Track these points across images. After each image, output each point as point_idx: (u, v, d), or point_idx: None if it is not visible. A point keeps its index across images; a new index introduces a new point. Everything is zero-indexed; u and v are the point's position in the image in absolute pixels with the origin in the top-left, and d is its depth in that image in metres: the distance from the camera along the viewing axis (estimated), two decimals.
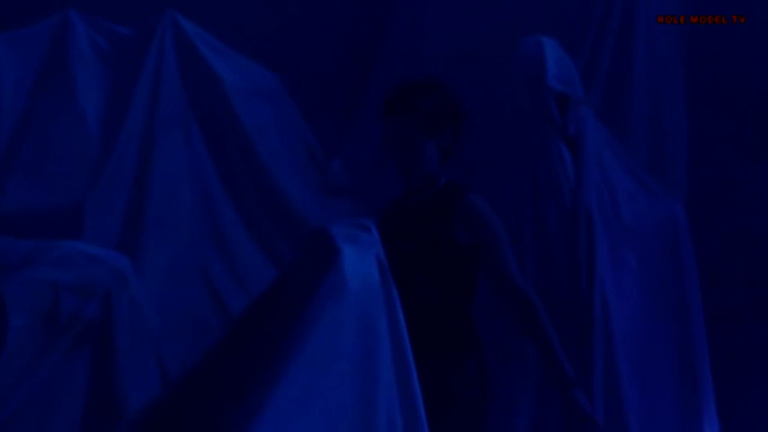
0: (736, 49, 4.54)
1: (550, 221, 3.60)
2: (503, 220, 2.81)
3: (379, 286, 1.92)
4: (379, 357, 1.85)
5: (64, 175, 4.48)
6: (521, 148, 3.66)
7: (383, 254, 2.00)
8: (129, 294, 3.69)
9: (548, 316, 2.75)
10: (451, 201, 2.84)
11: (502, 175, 3.73)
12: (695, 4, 4.40)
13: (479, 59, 4.40)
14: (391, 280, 2.00)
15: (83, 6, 4.81)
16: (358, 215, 4.85)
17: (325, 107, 4.93)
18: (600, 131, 3.72)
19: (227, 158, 4.67)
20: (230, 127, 4.66)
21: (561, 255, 3.56)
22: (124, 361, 3.47)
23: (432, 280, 2.73)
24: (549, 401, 3.49)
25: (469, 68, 4.38)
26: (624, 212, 3.65)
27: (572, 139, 3.65)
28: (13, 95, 4.68)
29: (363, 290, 1.88)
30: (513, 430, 3.51)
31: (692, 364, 3.68)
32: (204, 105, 4.66)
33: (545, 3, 4.58)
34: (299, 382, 1.74)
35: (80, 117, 4.56)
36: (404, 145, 2.85)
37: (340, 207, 4.68)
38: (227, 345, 2.05)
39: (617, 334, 3.49)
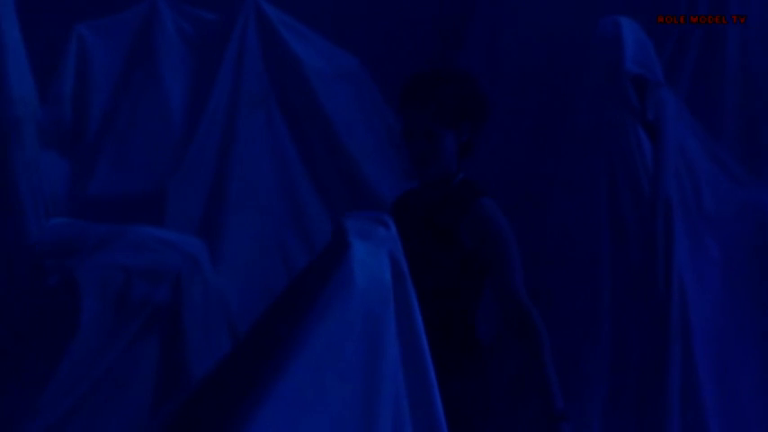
0: None
1: (627, 212, 3.47)
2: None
3: (388, 284, 1.86)
4: (384, 356, 1.80)
5: (148, 159, 4.55)
6: (596, 135, 3.53)
7: (399, 250, 1.94)
8: (203, 278, 3.72)
9: (547, 340, 2.57)
10: (462, 203, 2.71)
11: (577, 163, 3.61)
12: None
13: (563, 45, 4.26)
14: (406, 277, 1.92)
15: None
16: None
17: None
18: (683, 116, 3.55)
19: (309, 141, 4.67)
20: (312, 110, 4.66)
21: (638, 247, 3.42)
22: (194, 344, 3.51)
23: (435, 282, 2.62)
24: (623, 391, 3.38)
25: (554, 55, 4.26)
26: (707, 202, 3.49)
27: (651, 125, 3.51)
28: (101, 81, 4.79)
29: (371, 287, 1.82)
30: (586, 419, 3.42)
31: None
32: (286, 89, 4.67)
33: None
34: (299, 378, 1.70)
35: (164, 102, 4.64)
36: (420, 137, 2.72)
37: None
38: (247, 341, 2.03)
39: (696, 331, 3.34)
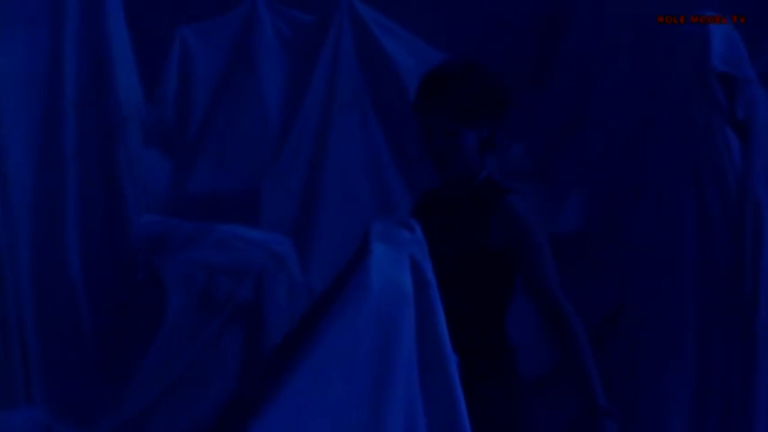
0: None
1: (714, 213, 3.35)
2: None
3: (406, 287, 1.83)
4: (396, 359, 1.77)
5: (244, 159, 4.65)
6: (683, 136, 3.42)
7: (423, 254, 1.91)
8: (288, 276, 3.79)
9: (585, 335, 2.48)
10: (488, 202, 2.62)
11: (664, 165, 3.50)
12: None
13: (653, 43, 4.14)
14: (429, 282, 1.89)
15: None
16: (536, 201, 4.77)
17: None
18: None
19: (402, 142, 4.68)
20: (405, 111, 4.66)
21: (725, 249, 3.30)
22: (276, 340, 3.56)
23: (462, 285, 2.55)
24: (708, 399, 3.27)
25: (647, 56, 4.14)
26: None
27: (741, 124, 3.38)
28: (203, 82, 4.92)
29: (387, 290, 1.80)
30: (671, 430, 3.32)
31: None
32: (380, 89, 4.69)
33: None
34: (307, 380, 1.70)
35: (261, 102, 4.72)
36: (439, 135, 2.63)
37: None
38: (279, 344, 2.04)
39: None
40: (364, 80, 4.68)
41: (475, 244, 2.59)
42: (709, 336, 3.33)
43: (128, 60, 4.85)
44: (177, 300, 3.48)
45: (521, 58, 4.93)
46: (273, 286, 3.63)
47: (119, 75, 4.76)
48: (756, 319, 3.21)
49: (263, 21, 4.85)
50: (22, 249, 4.70)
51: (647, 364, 3.34)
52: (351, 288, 1.81)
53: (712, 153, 3.33)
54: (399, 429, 1.76)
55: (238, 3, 4.94)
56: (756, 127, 3.33)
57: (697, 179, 3.37)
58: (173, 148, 4.92)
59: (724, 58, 3.35)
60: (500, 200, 2.61)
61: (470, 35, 5.01)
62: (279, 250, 3.75)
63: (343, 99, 4.65)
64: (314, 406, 1.70)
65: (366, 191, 4.64)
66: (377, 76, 4.68)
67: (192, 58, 4.91)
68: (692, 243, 3.36)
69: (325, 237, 4.52)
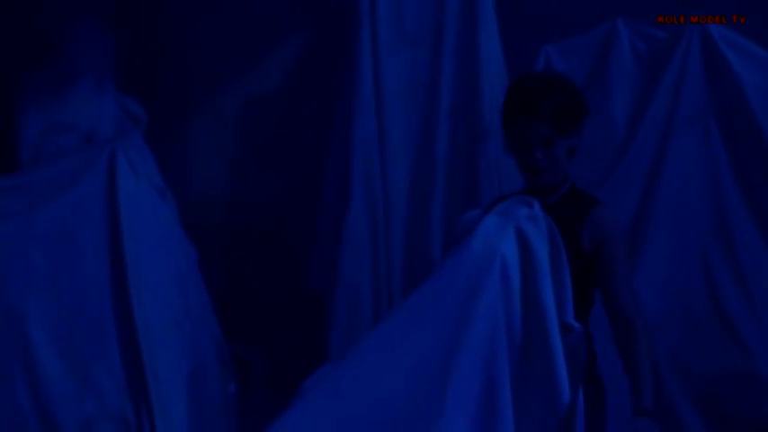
0: None
1: None
2: None
3: (502, 252, 2.04)
4: (477, 312, 2.00)
5: (587, 166, 4.90)
6: None
7: (535, 227, 2.11)
8: None
9: (650, 344, 2.63)
10: (581, 207, 2.73)
11: None
12: None
13: None
14: (533, 250, 2.08)
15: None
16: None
17: None
18: None
19: (745, 163, 4.66)
20: (751, 131, 4.65)
21: None
22: None
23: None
24: None
25: None
26: None
27: None
28: None
29: (484, 252, 2.04)
30: None
31: None
32: (725, 107, 4.71)
33: None
34: (408, 311, 2.00)
35: (609, 115, 4.97)
36: (537, 146, 2.74)
37: None
38: None
39: None
40: (709, 97, 4.74)
41: (569, 246, 2.64)
42: None
43: (497, 75, 5.36)
44: None
45: None
46: None
47: (487, 89, 5.29)
48: None
49: (622, 38, 5.10)
50: (396, 239, 5.41)
51: None
52: (459, 248, 2.12)
53: None
54: (472, 372, 2.01)
55: (600, 21, 5.25)
56: None
57: None
58: None
59: None
60: (593, 208, 2.77)
61: None
62: None
63: (687, 114, 4.74)
64: (403, 335, 2.03)
65: (702, 208, 4.68)
66: (722, 94, 4.71)
67: None
68: None
69: (655, 249, 4.65)
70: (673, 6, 4.88)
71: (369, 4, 5.27)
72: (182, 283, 4.56)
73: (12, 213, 4.42)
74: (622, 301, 2.67)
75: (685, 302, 4.60)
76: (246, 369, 5.08)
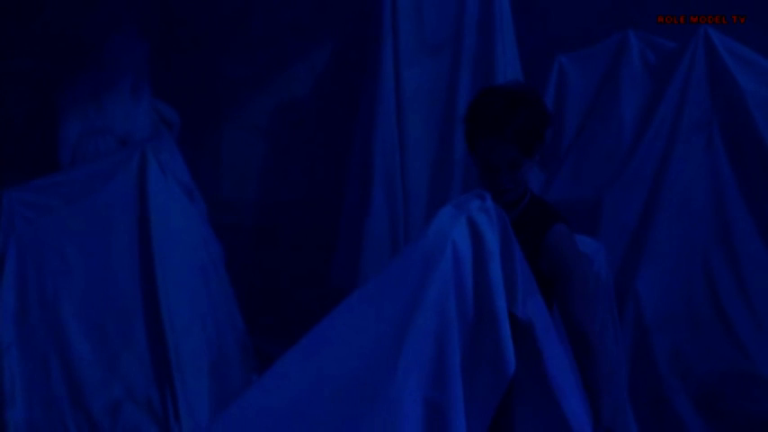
0: None
1: None
2: None
3: (452, 238, 2.24)
4: (429, 293, 2.22)
5: (595, 172, 5.11)
6: None
7: (485, 218, 2.31)
8: (594, 275, 4.22)
9: (604, 360, 2.72)
10: (538, 226, 2.75)
11: None
12: None
13: None
14: (482, 238, 2.28)
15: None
16: None
17: None
18: None
19: (746, 168, 4.82)
20: (752, 139, 4.80)
21: None
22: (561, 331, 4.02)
23: None
24: None
25: None
26: None
27: None
28: (576, 104, 5.47)
29: (436, 238, 2.24)
30: None
31: None
32: (728, 116, 4.88)
33: None
34: (366, 293, 2.23)
35: (619, 121, 5.15)
36: (505, 168, 2.71)
37: None
38: None
39: None
40: (713, 105, 4.91)
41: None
42: None
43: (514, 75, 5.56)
44: None
45: None
46: None
47: None
48: None
49: (632, 48, 5.27)
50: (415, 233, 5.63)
51: None
52: (417, 236, 2.34)
53: None
54: (425, 340, 2.23)
55: (611, 33, 5.43)
56: None
57: None
58: (546, 161, 5.54)
59: None
60: (549, 227, 2.76)
61: None
62: (585, 250, 4.21)
63: (691, 122, 4.91)
64: (364, 311, 2.26)
65: (705, 212, 4.85)
66: (725, 103, 4.88)
67: (566, 82, 5.50)
68: None
69: (659, 250, 4.83)
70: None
71: (391, 15, 5.51)
72: (206, 278, 4.82)
73: (50, 210, 4.70)
74: (578, 318, 2.71)
75: (687, 304, 4.77)
76: (268, 360, 5.32)
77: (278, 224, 6.16)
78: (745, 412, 4.66)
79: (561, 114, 5.51)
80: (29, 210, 4.60)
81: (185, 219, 4.85)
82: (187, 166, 5.25)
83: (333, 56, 6.01)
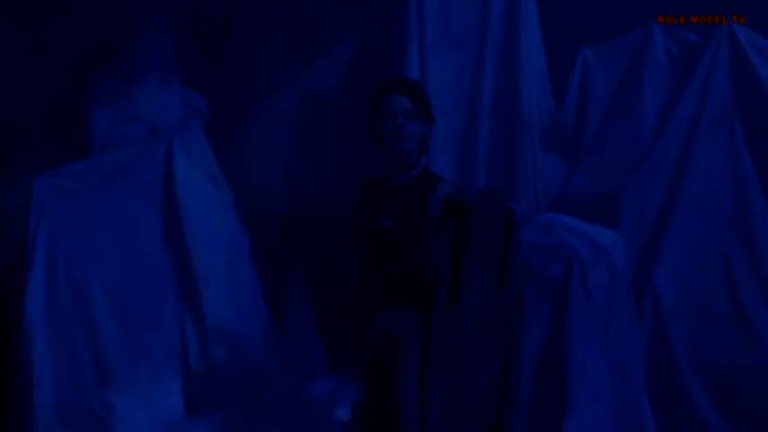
0: None
1: None
2: None
3: None
4: None
5: (616, 163, 5.14)
6: None
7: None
8: (610, 266, 4.26)
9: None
10: (428, 185, 3.30)
11: None
12: None
13: None
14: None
15: None
16: None
17: None
18: None
19: (766, 162, 4.83)
20: None
21: None
22: (578, 320, 4.06)
23: (407, 254, 3.20)
24: None
25: None
26: None
27: None
28: (599, 96, 5.50)
29: None
30: None
31: None
32: (750, 109, 4.88)
33: None
34: None
35: (641, 113, 5.17)
36: (399, 115, 3.42)
37: None
38: None
39: None
40: (735, 99, 4.91)
41: (414, 220, 3.27)
42: None
43: (536, 76, 5.60)
44: None
45: None
46: (589, 271, 4.14)
47: (526, 89, 5.54)
48: None
49: (656, 42, 5.28)
50: None
51: None
52: None
53: None
54: None
55: (635, 27, 5.44)
56: None
57: None
58: (568, 153, 5.58)
59: None
60: (435, 186, 3.35)
61: None
62: (603, 242, 4.25)
63: (713, 115, 4.92)
64: None
65: (725, 204, 4.87)
66: (747, 96, 4.89)
67: (590, 75, 5.53)
68: None
69: (678, 239, 4.84)
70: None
71: (416, 8, 5.57)
72: (230, 263, 4.92)
73: (81, 195, 4.80)
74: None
75: (706, 298, 4.79)
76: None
77: (306, 213, 6.22)
78: (763, 405, 4.67)
79: (584, 107, 5.55)
80: (59, 195, 4.70)
81: (210, 205, 4.95)
82: (215, 154, 5.35)
83: (358, 49, 6.06)
